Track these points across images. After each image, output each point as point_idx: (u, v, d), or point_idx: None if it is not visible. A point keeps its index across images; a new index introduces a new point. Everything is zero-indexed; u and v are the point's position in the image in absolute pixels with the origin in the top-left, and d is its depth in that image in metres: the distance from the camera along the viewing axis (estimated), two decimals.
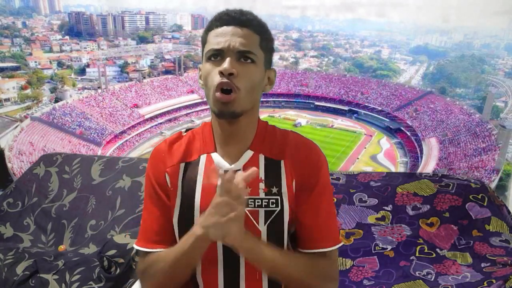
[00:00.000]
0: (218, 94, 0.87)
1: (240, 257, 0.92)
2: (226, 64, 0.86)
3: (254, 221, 0.92)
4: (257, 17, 0.94)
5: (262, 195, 0.93)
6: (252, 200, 0.92)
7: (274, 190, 0.93)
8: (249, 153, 0.96)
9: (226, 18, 0.91)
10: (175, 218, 0.96)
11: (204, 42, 0.94)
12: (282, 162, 0.95)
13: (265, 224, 0.92)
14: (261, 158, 0.96)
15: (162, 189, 0.99)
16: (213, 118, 0.97)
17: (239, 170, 0.91)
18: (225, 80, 0.86)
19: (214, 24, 0.92)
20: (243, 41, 0.88)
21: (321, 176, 0.96)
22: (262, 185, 0.93)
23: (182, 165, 0.98)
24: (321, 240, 0.95)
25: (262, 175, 0.94)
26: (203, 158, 0.97)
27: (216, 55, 0.89)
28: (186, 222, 0.94)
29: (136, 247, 0.99)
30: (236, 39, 0.88)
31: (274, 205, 0.93)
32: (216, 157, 0.96)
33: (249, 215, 0.91)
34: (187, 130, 1.06)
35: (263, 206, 0.93)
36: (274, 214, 0.93)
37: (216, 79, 0.87)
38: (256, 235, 0.91)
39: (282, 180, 0.94)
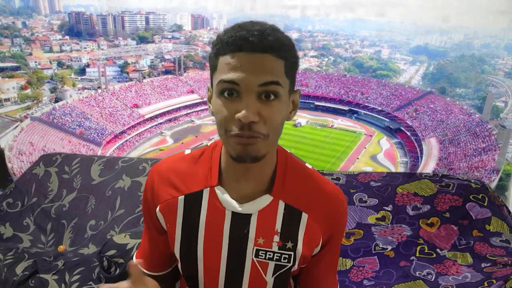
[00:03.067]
0: (234, 141, 0.72)
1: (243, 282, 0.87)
2: (244, 111, 0.69)
3: (262, 272, 0.85)
4: (279, 34, 0.73)
5: (275, 248, 0.83)
6: (264, 252, 0.83)
7: (289, 245, 0.83)
8: (267, 198, 0.82)
9: (241, 44, 0.70)
10: (180, 258, 0.90)
11: (213, 68, 0.75)
12: (305, 216, 0.84)
13: (272, 276, 0.85)
14: (281, 205, 0.83)
15: (153, 221, 0.93)
16: (225, 150, 0.82)
17: (252, 214, 0.82)
18: (245, 135, 0.71)
19: (226, 48, 0.71)
20: (264, 72, 0.70)
21: (342, 231, 0.90)
22: (276, 238, 0.83)
23: (182, 198, 0.86)
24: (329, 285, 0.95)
25: (278, 226, 0.83)
26: (206, 192, 0.84)
27: (231, 92, 0.71)
28: (190, 262, 0.88)
29: (134, 259, 0.99)
30: (255, 72, 0.70)
31: (286, 260, 0.84)
32: (222, 194, 0.83)
33: (258, 266, 0.84)
34: (192, 149, 0.94)
35: (275, 260, 0.84)
36: (284, 269, 0.85)
37: (232, 127, 0.71)
38: (262, 285, 0.87)
39: (299, 234, 0.84)
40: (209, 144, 0.90)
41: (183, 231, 0.86)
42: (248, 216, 0.82)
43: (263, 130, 0.72)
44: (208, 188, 0.84)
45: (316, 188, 0.86)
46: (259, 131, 0.71)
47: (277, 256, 0.83)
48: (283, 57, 0.73)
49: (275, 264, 0.84)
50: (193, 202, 0.85)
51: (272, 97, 0.72)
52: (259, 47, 0.70)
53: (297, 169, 0.87)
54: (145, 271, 0.95)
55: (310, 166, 0.90)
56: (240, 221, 0.82)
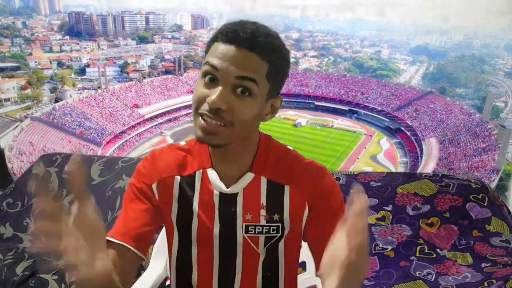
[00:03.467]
0: (200, 121, 0.77)
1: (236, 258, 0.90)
2: (214, 95, 0.74)
3: (254, 246, 0.90)
4: (272, 39, 0.78)
5: (263, 222, 0.89)
6: (253, 227, 0.88)
7: (276, 217, 0.89)
8: (249, 176, 0.88)
9: (232, 36, 0.75)
10: (175, 238, 0.93)
11: (207, 50, 0.81)
12: (288, 188, 0.89)
13: (264, 247, 0.90)
14: (263, 181, 0.89)
15: (145, 196, 0.92)
16: None
17: (238, 193, 0.88)
18: (208, 121, 0.76)
19: (220, 37, 0.77)
20: (243, 67, 0.74)
21: (331, 192, 0.91)
22: (263, 212, 0.88)
23: (178, 178, 0.92)
24: None
25: (263, 200, 0.88)
26: (198, 174, 0.90)
27: (212, 77, 0.76)
28: (184, 240, 0.92)
29: (109, 238, 0.87)
30: (236, 65, 0.74)
31: (275, 231, 0.89)
32: (212, 175, 0.89)
33: (249, 240, 0.89)
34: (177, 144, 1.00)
35: (264, 232, 0.89)
36: (274, 239, 0.90)
37: (202, 106, 0.77)
38: (255, 257, 0.90)
39: (285, 206, 0.89)
40: None
41: (179, 212, 0.91)
42: (235, 195, 0.88)
43: (228, 118, 0.76)
44: (201, 170, 0.90)
45: (296, 162, 0.92)
46: (224, 117, 0.75)
47: (266, 229, 0.89)
48: (268, 61, 0.76)
49: (265, 237, 0.89)
50: (187, 182, 0.91)
51: (247, 93, 0.76)
52: (247, 45, 0.74)
53: (279, 150, 0.93)
54: (120, 242, 0.86)
55: (291, 148, 0.96)
56: (228, 200, 0.88)
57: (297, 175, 0.90)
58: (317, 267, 0.92)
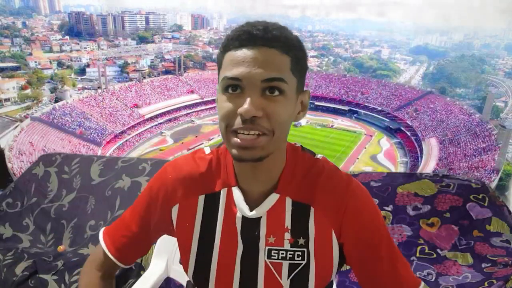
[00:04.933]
0: (235, 140, 0.70)
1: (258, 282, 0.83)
2: (247, 104, 0.67)
3: (277, 275, 0.81)
4: (285, 31, 0.72)
5: (287, 246, 0.80)
6: (276, 252, 0.80)
7: (301, 241, 0.80)
8: (274, 197, 0.80)
9: (245, 38, 0.69)
10: (191, 259, 0.86)
11: (219, 65, 0.74)
12: (311, 209, 0.81)
13: (288, 278, 0.81)
14: (288, 202, 0.81)
15: (159, 215, 0.89)
16: None
17: (261, 217, 0.81)
18: (243, 137, 0.69)
19: (232, 43, 0.70)
20: (268, 67, 0.68)
21: (364, 217, 0.80)
22: (287, 235, 0.81)
23: (202, 197, 0.85)
24: None
25: (288, 223, 0.81)
26: (223, 192, 0.83)
27: (235, 87, 0.69)
28: (203, 264, 0.85)
29: (100, 236, 0.95)
30: (259, 66, 0.68)
31: (300, 258, 0.80)
32: (237, 194, 0.82)
33: (271, 267, 0.81)
34: (211, 147, 0.91)
35: (288, 258, 0.80)
36: (299, 268, 0.81)
37: (234, 121, 0.69)
38: None
39: (310, 229, 0.80)
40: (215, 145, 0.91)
41: (201, 232, 0.85)
42: (258, 218, 0.81)
43: (267, 125, 0.69)
44: (226, 189, 0.83)
45: (322, 177, 0.82)
46: (262, 125, 0.69)
47: (290, 254, 0.80)
48: (289, 53, 0.71)
49: (289, 264, 0.81)
50: (212, 202, 0.84)
51: (277, 92, 0.69)
52: (263, 41, 0.69)
53: (306, 163, 0.84)
54: (116, 261, 0.93)
55: (320, 156, 0.87)
56: (251, 224, 0.81)
57: (321, 194, 0.81)
58: None
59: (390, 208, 1.79)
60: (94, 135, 32.23)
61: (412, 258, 1.66)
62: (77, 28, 74.38)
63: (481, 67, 72.73)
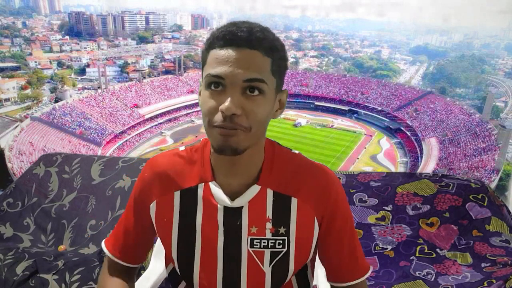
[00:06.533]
0: (215, 133, 0.75)
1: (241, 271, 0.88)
2: (227, 102, 0.71)
3: (259, 262, 0.86)
4: (268, 34, 0.76)
5: (268, 235, 0.85)
6: (258, 241, 0.85)
7: (282, 230, 0.85)
8: (255, 188, 0.85)
9: (230, 38, 0.73)
10: (173, 253, 0.90)
11: (204, 61, 0.78)
12: (295, 200, 0.86)
13: (270, 265, 0.86)
14: (269, 193, 0.85)
15: (141, 212, 0.94)
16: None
17: (243, 206, 0.85)
18: (227, 126, 0.73)
19: (216, 43, 0.74)
20: (250, 68, 0.72)
21: (340, 206, 0.88)
22: (269, 225, 0.85)
23: (178, 193, 0.89)
24: (351, 273, 0.91)
25: (269, 213, 0.85)
26: (200, 187, 0.87)
27: (217, 84, 0.74)
28: (186, 257, 0.89)
29: (103, 246, 0.99)
30: (241, 67, 0.72)
31: (281, 246, 0.85)
32: (215, 189, 0.85)
33: (254, 256, 0.85)
34: (185, 146, 0.96)
35: (269, 247, 0.85)
36: (280, 255, 0.86)
37: (215, 118, 0.74)
38: (260, 275, 0.87)
39: (292, 218, 0.85)
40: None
41: (180, 226, 0.88)
42: (240, 208, 0.85)
43: (245, 123, 0.74)
44: (203, 184, 0.87)
45: (302, 170, 0.88)
46: (240, 123, 0.73)
47: (271, 243, 0.85)
48: (270, 55, 0.75)
49: (271, 252, 0.85)
50: (188, 197, 0.88)
51: (257, 92, 0.74)
52: (247, 43, 0.72)
53: (283, 157, 0.89)
54: (123, 263, 0.97)
55: (296, 152, 0.92)
56: (233, 214, 0.85)
57: (304, 186, 0.86)
58: (331, 277, 0.95)
59: (389, 208, 1.79)
60: (94, 135, 32.22)
61: (411, 258, 1.66)
62: (77, 28, 74.36)
63: (481, 67, 72.70)
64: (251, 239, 0.85)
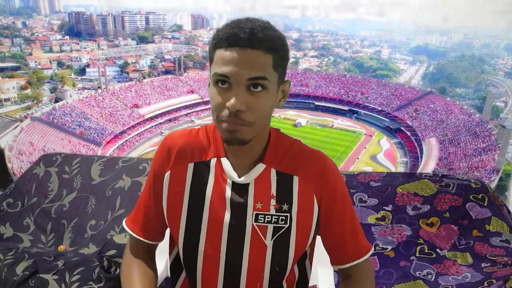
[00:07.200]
0: (223, 125, 0.83)
1: (241, 272, 0.94)
2: (233, 100, 0.79)
3: (262, 236, 0.92)
4: (269, 31, 0.82)
5: (272, 211, 0.92)
6: (263, 216, 0.92)
7: (285, 207, 0.92)
8: (261, 167, 0.93)
9: (233, 40, 0.79)
10: (182, 221, 0.95)
11: (211, 59, 0.86)
12: (296, 178, 0.94)
13: (272, 239, 0.92)
14: (273, 172, 0.94)
15: (158, 186, 0.99)
16: None
17: (249, 183, 0.92)
18: (232, 121, 0.81)
19: (221, 42, 0.81)
20: (253, 68, 0.79)
21: (338, 188, 0.95)
22: (273, 201, 0.92)
23: (191, 165, 0.96)
24: (355, 252, 0.96)
25: (273, 190, 0.93)
26: (213, 161, 0.95)
27: (223, 82, 0.81)
28: (193, 226, 0.94)
29: (124, 225, 1.05)
30: (245, 67, 0.79)
31: (283, 222, 0.92)
32: (226, 164, 0.94)
33: (257, 230, 0.92)
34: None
35: (273, 222, 0.92)
36: (282, 230, 0.92)
37: (223, 113, 0.82)
38: (262, 249, 0.92)
39: (294, 196, 0.93)
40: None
41: (191, 196, 0.95)
42: (246, 185, 0.92)
43: (249, 118, 0.81)
44: (216, 158, 0.95)
45: (302, 152, 0.96)
46: (245, 119, 0.81)
47: (274, 218, 0.92)
48: (272, 52, 0.81)
49: (273, 227, 0.92)
50: (201, 169, 0.95)
51: (260, 88, 0.81)
52: (249, 43, 0.79)
53: (286, 142, 0.98)
54: (144, 240, 1.02)
55: (297, 139, 1.01)
56: (240, 189, 0.92)
57: (304, 166, 0.94)
58: (334, 260, 1.00)
59: (389, 208, 1.79)
60: (94, 135, 32.22)
61: (411, 258, 1.66)
62: (77, 28, 74.33)
63: (481, 67, 72.69)
64: (256, 214, 0.91)
